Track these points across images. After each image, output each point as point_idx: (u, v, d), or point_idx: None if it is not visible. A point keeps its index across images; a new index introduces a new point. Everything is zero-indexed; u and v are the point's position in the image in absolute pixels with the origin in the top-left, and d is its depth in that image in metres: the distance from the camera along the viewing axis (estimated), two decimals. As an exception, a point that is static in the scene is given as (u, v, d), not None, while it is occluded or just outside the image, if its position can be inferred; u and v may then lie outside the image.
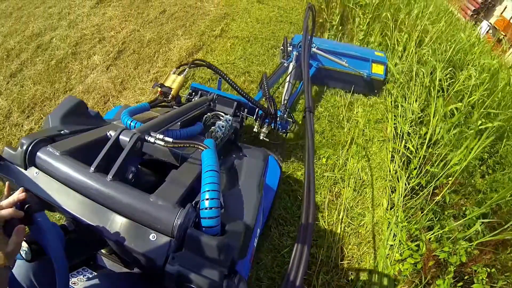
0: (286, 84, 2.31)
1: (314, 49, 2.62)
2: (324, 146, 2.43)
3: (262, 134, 2.02)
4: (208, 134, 1.19)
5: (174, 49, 3.14)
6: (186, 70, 1.55)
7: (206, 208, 0.66)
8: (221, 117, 1.35)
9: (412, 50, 3.04)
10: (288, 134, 2.33)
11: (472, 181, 2.14)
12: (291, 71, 2.33)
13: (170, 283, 0.61)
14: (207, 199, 0.67)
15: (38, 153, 0.74)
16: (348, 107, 2.81)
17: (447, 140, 2.17)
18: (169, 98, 1.42)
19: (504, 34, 6.21)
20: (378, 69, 2.75)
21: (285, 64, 2.42)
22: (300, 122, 2.55)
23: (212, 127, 1.21)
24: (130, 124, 0.90)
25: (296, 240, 0.76)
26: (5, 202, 0.58)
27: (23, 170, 0.74)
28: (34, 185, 0.72)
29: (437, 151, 2.17)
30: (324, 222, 1.95)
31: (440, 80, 2.60)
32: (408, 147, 2.31)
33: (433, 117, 2.33)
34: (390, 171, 2.31)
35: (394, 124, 2.61)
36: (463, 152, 1.96)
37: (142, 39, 3.23)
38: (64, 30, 3.20)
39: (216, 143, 1.06)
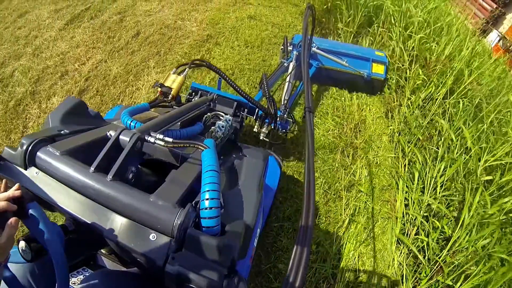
0: (286, 84, 2.31)
1: (314, 49, 2.62)
2: (316, 227, 1.95)
3: (262, 134, 2.02)
4: (208, 134, 1.19)
5: (142, 88, 2.68)
6: (186, 70, 1.55)
7: (206, 208, 0.66)
8: (221, 117, 1.35)
9: (438, 101, 2.42)
10: (288, 134, 2.33)
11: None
12: (291, 71, 2.33)
13: (170, 283, 0.61)
14: (207, 199, 0.67)
15: (38, 153, 0.74)
16: (349, 167, 2.30)
17: (473, 251, 1.67)
18: (169, 98, 1.42)
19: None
20: (378, 69, 2.75)
21: (285, 64, 2.42)
22: (300, 122, 2.55)
23: (212, 127, 1.21)
24: (130, 124, 0.90)
25: (296, 241, 0.76)
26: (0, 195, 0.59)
27: (23, 170, 0.74)
28: (34, 185, 0.72)
29: (457, 259, 1.68)
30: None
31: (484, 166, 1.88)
32: (420, 243, 1.82)
33: (466, 216, 1.72)
34: (394, 259, 1.86)
35: (406, 200, 2.04)
36: (488, 274, 1.54)
37: (108, 73, 2.76)
38: (28, 60, 2.84)
39: (216, 143, 1.06)
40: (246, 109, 1.85)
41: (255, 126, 2.02)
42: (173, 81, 1.46)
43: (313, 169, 1.07)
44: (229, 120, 1.30)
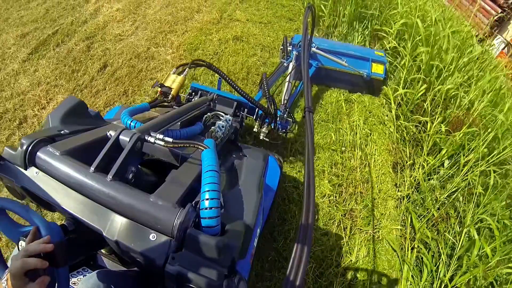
0: (286, 84, 2.31)
1: (313, 49, 2.62)
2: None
3: (262, 134, 2.02)
4: (208, 134, 1.19)
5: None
6: (186, 70, 1.55)
7: (206, 208, 0.66)
8: (221, 117, 1.35)
9: (463, 172, 1.94)
10: (288, 134, 2.33)
11: None
12: (291, 71, 2.33)
13: (170, 283, 0.61)
14: (207, 199, 0.67)
15: (38, 153, 0.74)
16: (345, 245, 1.91)
17: None
18: (169, 98, 1.42)
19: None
20: (378, 69, 2.75)
21: (285, 64, 2.43)
22: (300, 122, 2.55)
23: (212, 127, 1.21)
24: (130, 124, 0.90)
25: (296, 240, 0.76)
26: (31, 248, 0.56)
27: (23, 170, 0.74)
28: (34, 185, 0.72)
29: None
30: None
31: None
32: None
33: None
34: None
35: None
36: None
37: (67, 122, 2.34)
38: (-12, 101, 2.47)
39: (216, 143, 1.06)
40: (246, 109, 1.85)
41: (255, 126, 2.02)
42: (173, 81, 1.46)
43: (313, 170, 1.08)
44: (229, 120, 1.30)
